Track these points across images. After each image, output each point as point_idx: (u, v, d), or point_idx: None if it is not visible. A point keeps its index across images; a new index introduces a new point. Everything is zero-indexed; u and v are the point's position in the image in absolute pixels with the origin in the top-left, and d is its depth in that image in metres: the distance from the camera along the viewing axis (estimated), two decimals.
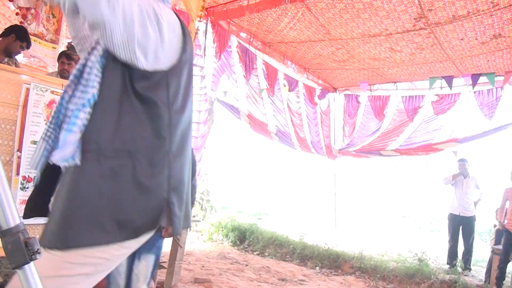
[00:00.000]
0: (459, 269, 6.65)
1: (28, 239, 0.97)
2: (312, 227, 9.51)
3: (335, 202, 10.33)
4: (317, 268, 6.57)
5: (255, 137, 8.74)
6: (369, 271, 6.32)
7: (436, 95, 8.48)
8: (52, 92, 3.09)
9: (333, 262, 6.67)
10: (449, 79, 7.02)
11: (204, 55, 7.04)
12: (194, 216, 8.07)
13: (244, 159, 16.65)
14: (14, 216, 0.98)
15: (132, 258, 2.50)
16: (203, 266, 5.87)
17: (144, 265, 2.48)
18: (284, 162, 15.81)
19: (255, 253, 7.17)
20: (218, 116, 8.56)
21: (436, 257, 7.57)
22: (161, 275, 4.65)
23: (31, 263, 0.97)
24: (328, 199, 10.73)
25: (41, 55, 5.34)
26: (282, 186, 15.29)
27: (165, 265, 4.46)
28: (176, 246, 4.64)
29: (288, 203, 13.46)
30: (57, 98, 3.09)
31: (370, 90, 9.29)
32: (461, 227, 7.41)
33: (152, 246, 2.53)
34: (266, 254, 7.13)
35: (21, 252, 0.96)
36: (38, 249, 0.97)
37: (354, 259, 6.66)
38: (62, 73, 4.88)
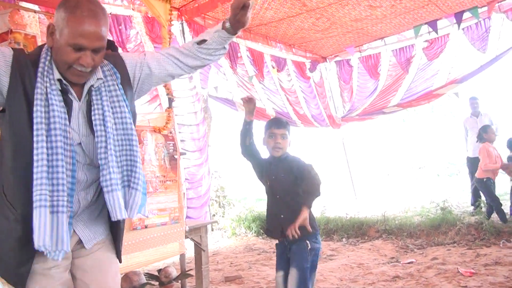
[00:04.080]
0: (483, 209, 6.57)
1: None
2: (332, 200, 9.46)
3: (349, 170, 10.28)
4: (344, 239, 6.53)
5: (256, 124, 8.64)
6: (395, 232, 6.27)
7: (426, 41, 8.34)
8: None
9: (358, 230, 6.63)
10: (433, 24, 6.91)
11: None
12: (214, 215, 8.08)
13: None
14: None
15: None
16: (231, 263, 5.87)
17: (290, 279, 2.78)
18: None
19: None
20: (215, 112, 8.53)
21: (458, 202, 7.49)
22: (192, 281, 4.65)
23: None
24: (342, 168, 10.67)
25: None
26: None
27: (192, 272, 4.46)
28: (199, 250, 4.63)
29: None
30: None
31: (360, 51, 9.18)
32: None
33: (292, 261, 2.82)
34: None
35: None
36: None
37: (378, 222, 6.61)
38: None
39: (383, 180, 13.80)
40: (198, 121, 7.01)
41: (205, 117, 8.33)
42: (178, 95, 6.82)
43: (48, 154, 1.57)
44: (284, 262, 2.91)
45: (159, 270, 4.23)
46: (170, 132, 4.11)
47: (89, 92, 1.74)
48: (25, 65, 1.62)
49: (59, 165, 1.58)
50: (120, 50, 6.03)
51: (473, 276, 4.19)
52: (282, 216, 2.86)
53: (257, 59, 7.97)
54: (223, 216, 8.46)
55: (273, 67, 8.32)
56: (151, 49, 6.52)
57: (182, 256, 4.33)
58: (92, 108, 1.72)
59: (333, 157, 12.32)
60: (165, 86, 4.34)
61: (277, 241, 3.04)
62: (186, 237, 4.22)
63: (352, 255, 5.60)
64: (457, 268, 4.44)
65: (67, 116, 1.64)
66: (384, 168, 15.12)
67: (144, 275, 4.22)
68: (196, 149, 6.88)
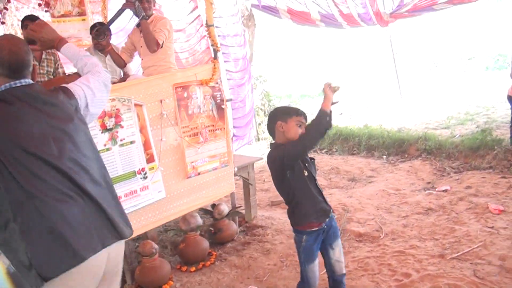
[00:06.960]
0: None
1: None
2: (376, 105, 9.54)
3: (395, 68, 10.18)
4: (384, 157, 6.83)
5: (299, 31, 8.59)
6: (434, 152, 6.47)
7: None
8: None
9: (398, 148, 6.87)
10: None
11: None
12: (259, 124, 8.44)
13: (295, 54, 16.31)
14: None
15: (326, 251, 2.94)
16: None
17: (338, 250, 2.91)
18: (335, 47, 15.34)
19: (323, 151, 7.49)
20: (259, 18, 8.42)
21: (505, 113, 7.41)
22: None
23: None
24: (388, 68, 10.57)
25: (74, 32, 5.47)
26: (339, 68, 14.93)
27: (240, 209, 4.95)
28: (247, 184, 5.09)
29: (348, 81, 13.04)
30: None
31: None
32: None
33: (336, 234, 2.92)
34: (334, 150, 7.44)
35: None
36: None
37: (419, 141, 6.79)
38: (97, 47, 4.96)
39: (430, 73, 13.48)
40: (240, 43, 7.07)
41: (248, 25, 8.30)
42: (221, 14, 6.81)
43: None
44: (317, 250, 2.86)
45: (213, 206, 4.73)
46: (217, 83, 4.31)
47: None
48: None
49: None
50: None
51: (501, 214, 4.48)
52: (323, 199, 2.85)
53: None
54: None
55: None
56: None
57: (232, 194, 4.79)
58: None
59: (378, 59, 12.06)
60: (210, 37, 4.40)
61: (305, 231, 2.84)
62: (235, 175, 4.65)
63: (390, 178, 5.92)
64: (488, 203, 4.72)
65: None
66: (432, 60, 14.63)
67: (200, 210, 4.76)
68: (239, 70, 7.04)
